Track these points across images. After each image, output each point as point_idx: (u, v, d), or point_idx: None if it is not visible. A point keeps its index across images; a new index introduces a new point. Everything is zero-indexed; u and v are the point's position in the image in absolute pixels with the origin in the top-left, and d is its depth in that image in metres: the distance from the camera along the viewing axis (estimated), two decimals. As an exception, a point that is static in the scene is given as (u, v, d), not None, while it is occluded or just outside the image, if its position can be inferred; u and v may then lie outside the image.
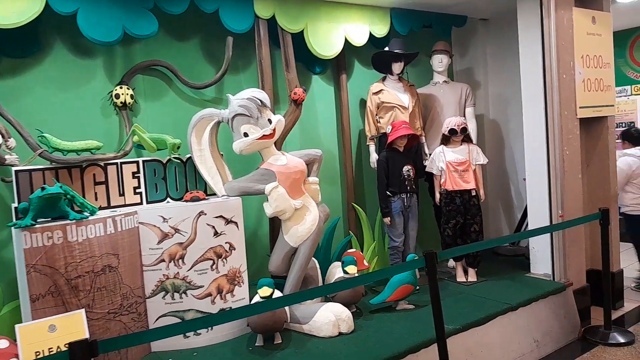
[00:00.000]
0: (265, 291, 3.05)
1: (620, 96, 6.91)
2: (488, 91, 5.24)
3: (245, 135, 3.26)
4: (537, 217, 4.11)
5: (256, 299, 3.15)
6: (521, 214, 4.97)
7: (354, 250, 4.03)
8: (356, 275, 3.54)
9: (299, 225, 3.40)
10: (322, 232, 3.52)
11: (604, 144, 4.32)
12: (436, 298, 2.76)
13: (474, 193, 4.04)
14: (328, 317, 3.18)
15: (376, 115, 4.28)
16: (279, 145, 3.74)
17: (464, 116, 4.62)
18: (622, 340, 3.66)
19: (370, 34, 4.20)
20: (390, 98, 4.21)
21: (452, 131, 4.00)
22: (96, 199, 3.08)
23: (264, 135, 3.26)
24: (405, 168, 3.93)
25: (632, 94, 6.99)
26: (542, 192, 4.03)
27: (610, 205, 4.20)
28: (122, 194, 3.17)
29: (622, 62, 6.98)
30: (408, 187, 3.93)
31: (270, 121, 3.31)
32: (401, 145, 3.96)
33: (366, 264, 3.97)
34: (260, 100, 3.26)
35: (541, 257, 4.10)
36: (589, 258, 4.25)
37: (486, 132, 5.21)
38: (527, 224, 4.82)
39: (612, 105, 4.34)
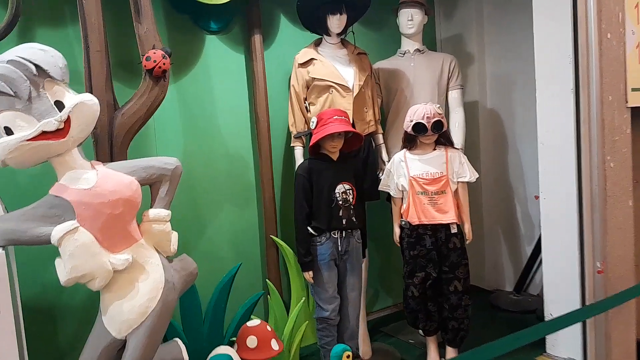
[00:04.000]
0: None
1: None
2: (485, 68, 3.63)
3: (8, 131, 1.70)
4: (558, 266, 2.54)
5: None
6: (532, 248, 3.39)
7: (256, 322, 2.46)
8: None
9: (123, 301, 1.85)
10: (171, 309, 1.95)
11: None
12: None
13: (454, 230, 2.47)
14: None
15: (305, 99, 2.70)
16: (121, 148, 2.19)
17: (446, 103, 3.03)
18: None
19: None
20: (324, 72, 2.62)
21: (419, 127, 2.41)
22: None
23: (44, 133, 1.70)
24: (340, 188, 2.35)
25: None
26: (568, 227, 2.46)
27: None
28: None
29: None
30: (344, 221, 2.35)
31: (58, 106, 1.74)
32: (333, 151, 2.37)
33: (275, 347, 2.41)
34: (36, 65, 1.69)
35: (564, 333, 2.52)
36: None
37: (480, 128, 3.60)
38: (540, 262, 3.25)
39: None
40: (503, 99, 3.56)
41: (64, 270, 1.75)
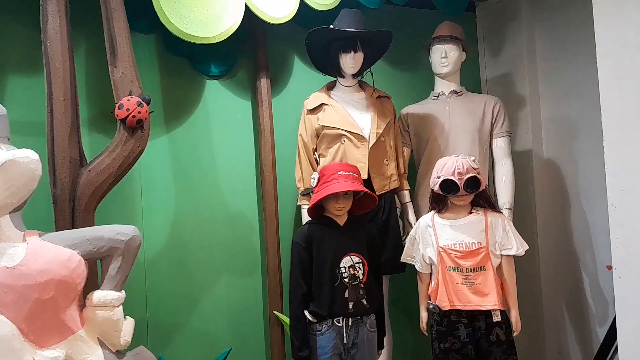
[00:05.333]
0: None
1: None
2: (539, 111, 3.08)
3: None
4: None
5: None
6: (606, 331, 2.71)
7: None
8: None
9: (51, 411, 1.45)
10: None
11: None
12: None
13: (497, 318, 1.91)
14: None
15: (314, 150, 2.30)
16: (86, 212, 1.86)
17: (490, 154, 2.53)
18: None
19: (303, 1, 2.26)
20: (334, 119, 2.21)
21: (448, 185, 1.92)
22: None
23: (-41, 196, 1.39)
24: (346, 261, 1.87)
25: None
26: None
27: None
28: None
29: None
30: (351, 305, 1.85)
31: (-20, 163, 1.43)
32: (338, 214, 1.92)
33: None
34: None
35: None
36: None
37: (536, 182, 3.01)
38: (616, 349, 2.56)
39: None
40: (563, 147, 2.97)
41: (-23, 370, 1.38)
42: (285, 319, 2.35)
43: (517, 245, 1.94)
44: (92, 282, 1.60)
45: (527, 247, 1.97)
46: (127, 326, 1.61)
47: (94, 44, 2.13)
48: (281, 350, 2.39)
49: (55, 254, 1.48)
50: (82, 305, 1.57)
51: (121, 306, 1.58)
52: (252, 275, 2.49)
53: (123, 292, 1.59)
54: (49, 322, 1.46)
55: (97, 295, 1.55)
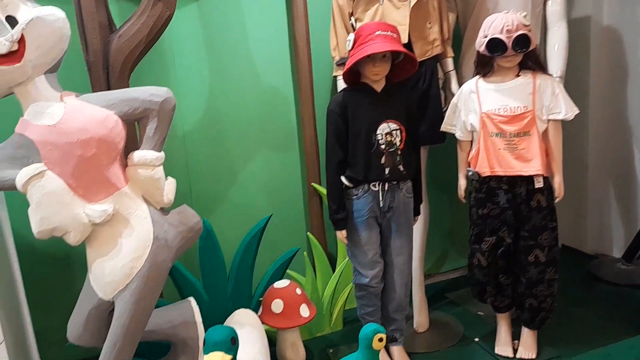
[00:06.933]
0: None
1: None
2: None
3: (-44, 57, 1.41)
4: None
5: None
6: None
7: (284, 283, 2.10)
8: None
9: (105, 260, 1.57)
10: (163, 270, 1.62)
11: None
12: None
13: (539, 184, 1.86)
14: None
15: (350, 14, 2.15)
16: (120, 77, 1.85)
17: (543, 17, 2.31)
18: None
19: None
20: (373, -23, 2.04)
21: (495, 45, 1.78)
22: None
23: (-9, 57, 1.39)
24: (383, 128, 1.82)
25: None
26: None
27: None
28: None
29: None
30: (387, 170, 1.84)
31: (10, 23, 1.41)
32: (375, 79, 1.83)
33: (305, 314, 2.05)
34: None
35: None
36: None
37: (592, 51, 2.78)
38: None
39: None
40: (626, 14, 2.69)
41: (34, 222, 1.48)
42: (323, 191, 2.38)
43: (566, 109, 1.82)
44: (133, 145, 1.63)
45: (578, 111, 1.85)
46: (169, 185, 1.66)
47: None
48: (320, 220, 2.46)
49: (93, 113, 1.50)
50: (124, 165, 1.61)
51: (161, 166, 1.62)
52: (289, 150, 2.49)
53: (162, 152, 1.62)
54: (95, 178, 1.52)
55: (137, 155, 1.58)
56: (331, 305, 2.37)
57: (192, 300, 1.93)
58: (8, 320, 1.66)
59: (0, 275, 1.67)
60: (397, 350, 2.05)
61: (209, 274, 2.12)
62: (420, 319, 2.33)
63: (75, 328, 1.66)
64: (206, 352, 1.51)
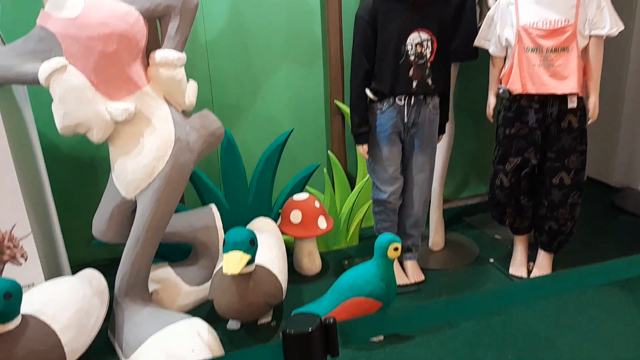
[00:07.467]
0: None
1: None
2: None
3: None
4: None
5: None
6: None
7: (303, 196, 2.12)
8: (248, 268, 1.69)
9: (127, 158, 1.58)
10: (185, 172, 1.63)
11: None
12: None
13: (572, 104, 1.78)
14: (156, 356, 1.46)
15: None
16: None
17: None
18: None
19: None
20: None
21: (540, -53, 1.64)
22: None
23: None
24: (414, 38, 1.74)
25: None
26: None
27: None
28: None
29: None
30: (415, 83, 1.77)
31: None
32: (406, -16, 1.73)
33: (322, 226, 2.08)
34: None
35: None
36: None
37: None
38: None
39: None
40: None
41: (58, 117, 1.48)
42: (346, 109, 2.34)
43: (611, 24, 1.70)
44: (156, 47, 1.59)
45: (623, 27, 1.73)
46: (191, 88, 1.64)
47: None
48: (341, 138, 2.44)
49: (113, 6, 1.46)
50: (146, 65, 1.59)
51: (183, 68, 1.59)
52: (313, 65, 2.42)
53: (184, 53, 1.58)
54: (116, 75, 1.50)
55: (159, 54, 1.55)
56: (348, 222, 2.40)
57: (213, 206, 1.97)
58: (36, 216, 1.72)
59: (27, 172, 1.71)
60: (411, 264, 2.08)
61: (230, 183, 2.15)
62: (436, 237, 2.35)
63: (100, 224, 1.72)
64: (225, 251, 1.56)
